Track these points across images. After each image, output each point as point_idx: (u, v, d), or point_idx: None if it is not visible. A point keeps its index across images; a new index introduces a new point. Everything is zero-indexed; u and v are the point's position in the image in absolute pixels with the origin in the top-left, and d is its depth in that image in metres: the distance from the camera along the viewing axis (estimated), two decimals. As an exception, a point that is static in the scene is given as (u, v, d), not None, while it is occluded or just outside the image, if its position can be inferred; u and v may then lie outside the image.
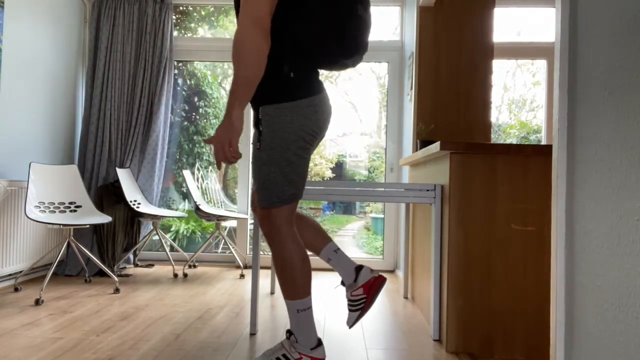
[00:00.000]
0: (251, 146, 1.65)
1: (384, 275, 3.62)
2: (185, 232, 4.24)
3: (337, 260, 1.77)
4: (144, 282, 3.12)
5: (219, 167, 1.43)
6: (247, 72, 1.38)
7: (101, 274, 3.32)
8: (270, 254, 3.75)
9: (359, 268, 1.76)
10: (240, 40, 1.37)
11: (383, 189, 2.13)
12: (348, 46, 1.52)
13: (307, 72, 1.54)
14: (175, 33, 4.01)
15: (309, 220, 1.80)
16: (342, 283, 1.78)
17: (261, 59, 1.39)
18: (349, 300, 1.76)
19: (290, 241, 1.56)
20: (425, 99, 3.02)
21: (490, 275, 1.87)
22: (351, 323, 1.73)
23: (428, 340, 2.04)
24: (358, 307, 1.74)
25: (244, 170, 3.92)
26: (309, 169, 1.61)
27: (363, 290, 1.72)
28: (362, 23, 1.53)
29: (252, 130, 3.89)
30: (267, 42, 1.39)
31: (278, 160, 1.51)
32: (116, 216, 3.42)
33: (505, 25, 3.89)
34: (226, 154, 1.41)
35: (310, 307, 1.59)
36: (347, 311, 1.72)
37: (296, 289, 1.57)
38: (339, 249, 1.79)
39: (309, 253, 1.77)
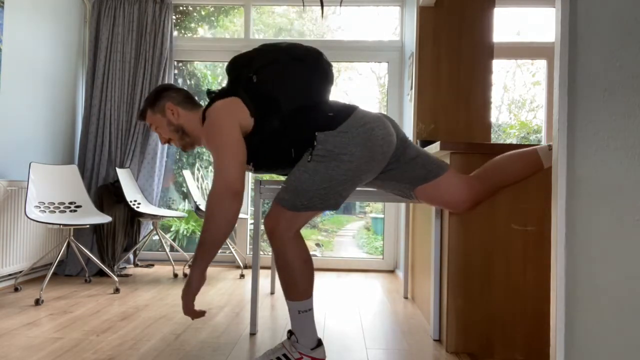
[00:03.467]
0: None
1: (385, 273, 3.62)
2: (185, 232, 4.24)
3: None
4: (144, 282, 3.12)
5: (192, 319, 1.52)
6: (215, 235, 1.46)
7: (101, 274, 3.32)
8: (270, 254, 3.75)
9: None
10: (212, 205, 1.46)
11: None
12: (322, 75, 1.67)
13: (332, 110, 1.59)
14: (175, 33, 4.01)
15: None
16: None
17: (231, 222, 1.47)
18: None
19: (293, 242, 1.56)
20: (425, 99, 3.02)
21: (490, 275, 1.87)
22: None
23: (428, 340, 2.04)
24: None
25: (244, 170, 3.91)
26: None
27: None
28: (312, 58, 1.66)
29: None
30: (238, 204, 1.47)
31: (322, 174, 1.52)
32: (116, 216, 3.42)
33: (505, 25, 3.89)
34: (187, 312, 1.49)
35: (311, 309, 1.59)
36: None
37: (297, 290, 1.56)
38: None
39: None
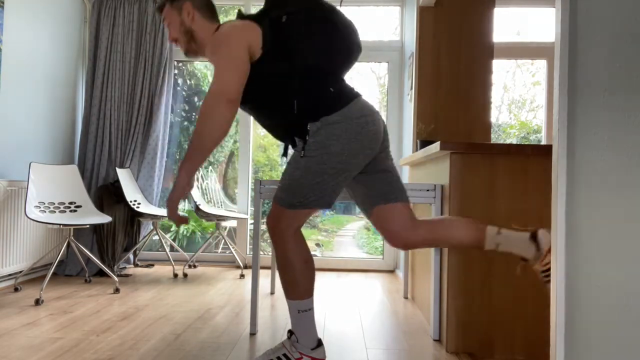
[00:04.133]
0: (289, 152, 1.68)
1: (385, 273, 3.62)
2: (185, 232, 4.24)
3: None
4: (144, 282, 3.12)
5: (177, 226, 1.49)
6: (205, 138, 1.46)
7: (101, 274, 3.32)
8: (270, 254, 3.76)
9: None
10: (205, 108, 1.45)
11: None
12: (346, 54, 1.63)
13: (336, 87, 1.57)
14: (175, 33, 4.00)
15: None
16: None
17: (223, 128, 1.47)
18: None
19: (294, 242, 1.56)
20: (425, 99, 3.02)
21: (490, 275, 1.87)
22: None
23: (428, 340, 2.04)
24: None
25: (244, 170, 3.92)
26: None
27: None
28: (349, 33, 1.62)
29: (254, 133, 3.89)
30: (232, 111, 1.46)
31: (313, 169, 1.52)
32: (116, 216, 3.42)
33: (505, 25, 3.89)
34: (171, 216, 1.49)
35: (311, 309, 1.59)
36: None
37: (297, 289, 1.57)
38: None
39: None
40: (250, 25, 1.55)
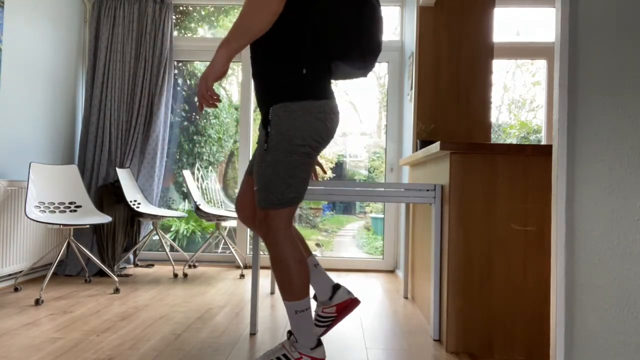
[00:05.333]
0: (256, 147, 1.64)
1: (385, 273, 3.62)
2: (185, 232, 4.24)
3: (315, 275, 1.76)
4: (144, 282, 3.12)
5: (200, 110, 1.44)
6: (250, 22, 1.38)
7: (101, 274, 3.32)
8: (270, 254, 3.75)
9: (336, 287, 1.74)
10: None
11: (383, 189, 2.13)
12: (366, 45, 1.53)
13: (320, 73, 1.53)
14: (175, 33, 4.01)
15: (294, 230, 1.80)
16: (315, 297, 1.76)
17: (270, 16, 1.38)
18: (318, 315, 1.74)
19: (286, 243, 1.56)
20: (425, 99, 3.02)
21: (490, 275, 1.87)
22: None
23: (428, 340, 2.04)
24: (325, 324, 1.72)
25: (244, 170, 3.92)
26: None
27: (336, 309, 1.71)
28: (380, 22, 1.55)
29: (254, 133, 3.89)
30: (280, 3, 1.38)
31: (282, 163, 1.51)
32: (116, 216, 3.42)
33: (505, 25, 3.89)
34: (203, 93, 1.41)
35: (308, 308, 1.59)
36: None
37: (293, 290, 1.56)
38: (318, 264, 1.78)
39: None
40: None
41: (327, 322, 1.73)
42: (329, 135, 1.57)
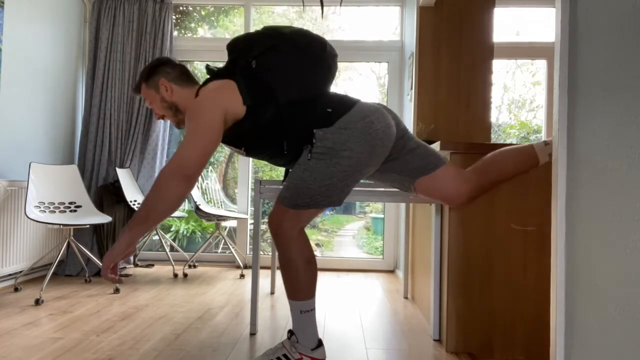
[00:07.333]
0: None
1: (384, 273, 3.62)
2: (185, 232, 4.24)
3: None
4: (144, 282, 3.12)
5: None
6: (152, 209, 1.41)
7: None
8: (270, 254, 3.75)
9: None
10: (159, 179, 1.42)
11: (383, 189, 2.13)
12: (323, 66, 1.64)
13: (332, 106, 1.57)
14: (175, 33, 4.01)
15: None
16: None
17: (172, 205, 1.43)
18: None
19: (297, 242, 1.56)
20: (425, 99, 3.02)
21: (490, 275, 1.87)
22: None
23: (428, 340, 2.04)
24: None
25: (244, 170, 3.92)
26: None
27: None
28: (317, 46, 1.63)
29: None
30: (185, 188, 1.42)
31: (323, 172, 1.52)
32: (116, 216, 3.42)
33: (505, 25, 3.89)
34: (105, 270, 1.43)
35: (313, 309, 1.59)
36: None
37: (300, 290, 1.56)
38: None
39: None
40: (224, 85, 1.54)
41: None
42: (384, 137, 1.59)
